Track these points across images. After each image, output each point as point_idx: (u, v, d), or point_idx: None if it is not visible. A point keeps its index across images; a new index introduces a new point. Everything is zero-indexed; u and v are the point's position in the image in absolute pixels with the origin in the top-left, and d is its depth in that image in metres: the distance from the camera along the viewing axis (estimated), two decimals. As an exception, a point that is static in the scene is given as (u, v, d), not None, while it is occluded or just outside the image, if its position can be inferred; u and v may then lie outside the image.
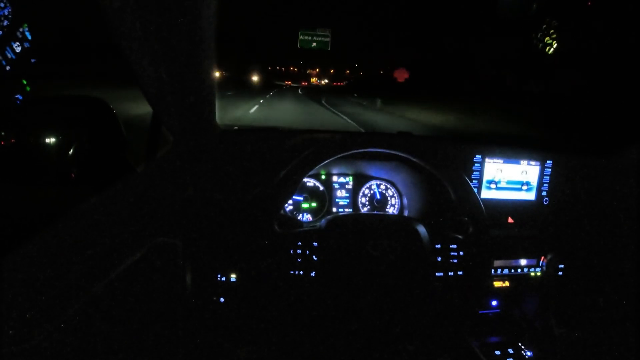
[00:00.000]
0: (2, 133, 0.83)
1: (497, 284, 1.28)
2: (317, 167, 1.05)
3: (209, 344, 1.08)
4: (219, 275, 1.10)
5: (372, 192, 1.40)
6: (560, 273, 1.30)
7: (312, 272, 0.93)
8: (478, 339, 1.25)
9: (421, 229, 0.96)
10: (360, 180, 1.41)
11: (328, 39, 23.23)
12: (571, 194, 1.34)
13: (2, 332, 0.60)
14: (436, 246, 0.96)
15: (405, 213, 1.37)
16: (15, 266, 0.62)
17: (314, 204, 1.36)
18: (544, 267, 1.29)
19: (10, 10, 0.97)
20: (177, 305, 1.03)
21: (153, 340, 0.96)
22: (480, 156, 1.28)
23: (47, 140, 0.85)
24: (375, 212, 1.37)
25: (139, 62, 0.73)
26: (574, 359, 1.27)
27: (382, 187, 1.40)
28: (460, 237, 0.98)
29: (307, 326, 1.02)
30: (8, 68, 0.98)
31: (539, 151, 1.33)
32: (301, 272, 0.94)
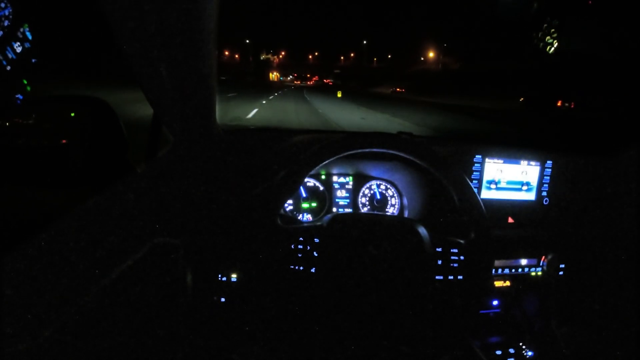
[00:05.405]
0: (2, 133, 0.83)
1: (498, 283, 1.28)
2: (317, 167, 1.05)
3: (209, 344, 1.08)
4: (219, 275, 1.10)
5: (372, 192, 1.40)
6: (560, 273, 1.30)
7: (312, 268, 0.93)
8: (479, 339, 1.25)
9: (422, 231, 0.95)
10: (360, 180, 1.40)
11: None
12: (571, 194, 1.34)
13: (2, 332, 0.60)
14: (437, 249, 0.96)
15: (406, 213, 1.37)
16: (15, 266, 0.62)
17: (314, 204, 1.36)
18: (545, 267, 1.30)
19: (10, 10, 0.97)
20: (177, 305, 1.03)
21: (154, 341, 0.96)
22: (480, 156, 1.28)
23: (47, 140, 0.85)
24: (376, 212, 1.37)
25: (139, 62, 0.73)
26: (574, 359, 1.27)
27: (382, 187, 1.40)
28: (461, 241, 0.98)
29: (306, 325, 1.02)
30: (8, 68, 0.98)
31: (539, 151, 1.33)
32: (301, 268, 0.93)
